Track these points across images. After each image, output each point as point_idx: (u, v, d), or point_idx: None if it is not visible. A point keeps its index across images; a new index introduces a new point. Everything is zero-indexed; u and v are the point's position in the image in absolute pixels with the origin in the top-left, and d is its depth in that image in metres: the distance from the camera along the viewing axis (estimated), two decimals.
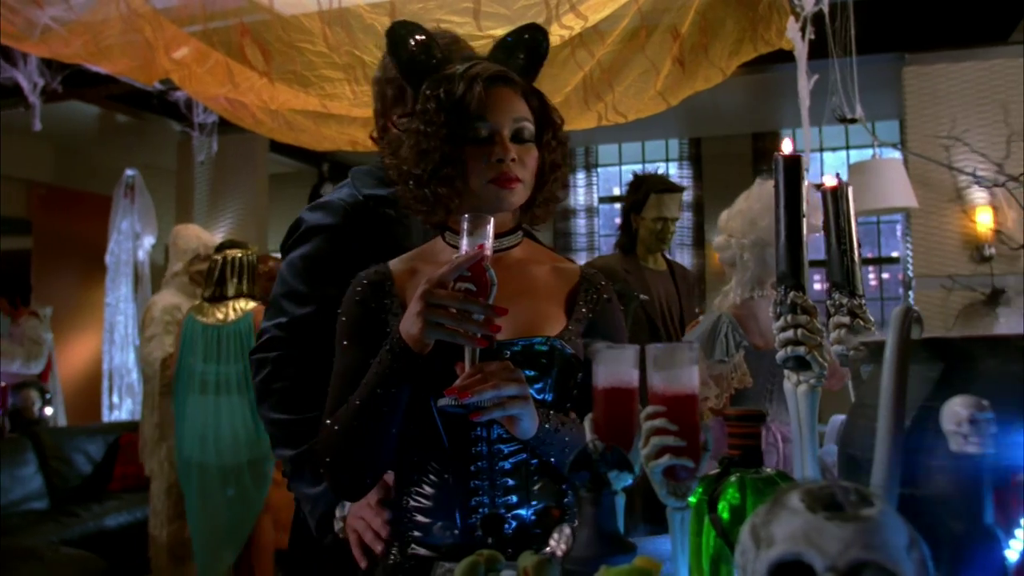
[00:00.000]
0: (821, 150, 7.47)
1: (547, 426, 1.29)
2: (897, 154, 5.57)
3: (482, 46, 2.99)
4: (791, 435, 2.64)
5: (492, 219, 1.27)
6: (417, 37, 1.42)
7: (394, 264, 1.45)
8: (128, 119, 6.42)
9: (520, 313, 1.35)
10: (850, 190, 1.15)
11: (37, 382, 6.08)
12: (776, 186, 1.09)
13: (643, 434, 0.83)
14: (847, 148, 7.46)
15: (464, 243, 1.25)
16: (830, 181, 1.15)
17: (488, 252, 1.24)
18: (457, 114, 1.35)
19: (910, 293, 5.32)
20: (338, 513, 1.54)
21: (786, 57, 3.37)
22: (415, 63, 1.41)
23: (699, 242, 7.43)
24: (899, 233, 7.00)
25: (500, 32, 3.00)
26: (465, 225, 1.25)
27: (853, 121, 3.03)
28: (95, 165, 7.45)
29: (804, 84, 3.20)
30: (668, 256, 3.83)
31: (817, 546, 0.59)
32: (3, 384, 5.84)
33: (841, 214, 1.14)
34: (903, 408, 0.79)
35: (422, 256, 1.46)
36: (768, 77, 5.54)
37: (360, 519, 1.47)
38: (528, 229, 1.53)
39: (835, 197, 1.15)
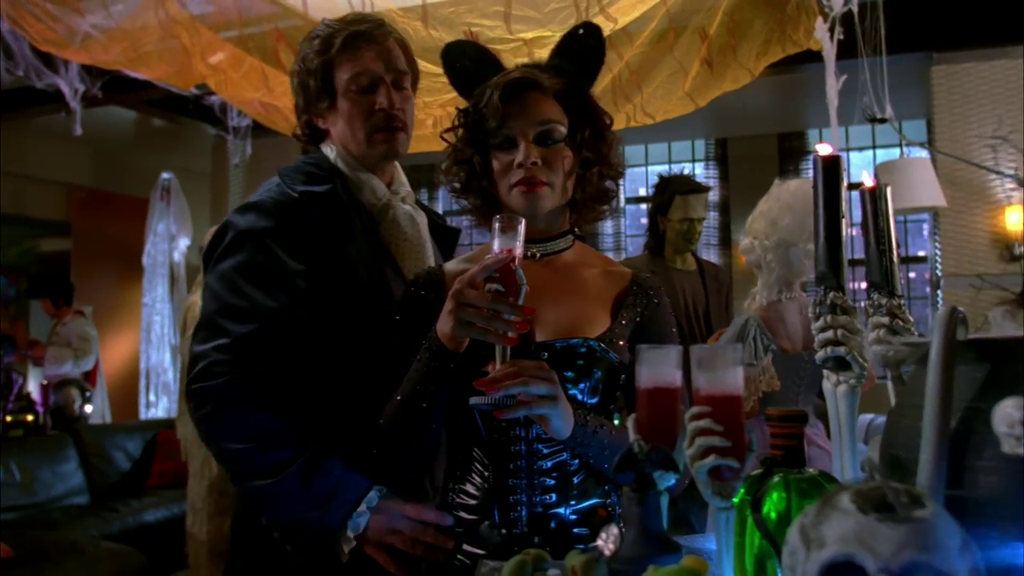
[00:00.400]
0: (848, 150, 7.39)
1: (585, 428, 1.29)
2: (924, 153, 5.50)
3: (513, 48, 3.01)
4: (815, 437, 2.64)
5: (523, 220, 1.28)
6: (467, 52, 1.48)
7: (449, 265, 1.49)
8: (164, 123, 6.49)
9: (562, 314, 1.36)
10: (888, 190, 1.14)
11: (78, 380, 6.16)
12: (815, 186, 1.08)
13: (688, 434, 0.83)
14: (874, 148, 7.37)
15: (495, 244, 1.26)
16: (868, 181, 1.13)
17: (518, 253, 1.26)
18: (481, 123, 1.39)
19: (938, 292, 5.25)
20: (351, 533, 1.35)
21: (813, 57, 3.34)
22: (467, 78, 1.46)
23: (726, 242, 7.37)
24: (926, 232, 6.92)
25: (530, 35, 3.02)
26: (496, 226, 1.27)
27: (883, 121, 2.99)
28: (132, 169, 7.53)
29: (832, 84, 3.17)
30: (699, 256, 3.80)
31: (869, 547, 0.58)
32: (45, 382, 5.92)
33: (880, 214, 1.13)
34: (949, 409, 0.78)
35: (476, 258, 1.47)
36: (794, 77, 5.49)
37: (397, 532, 1.36)
38: (578, 234, 1.53)
39: (873, 197, 1.14)
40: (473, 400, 1.22)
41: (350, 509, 1.36)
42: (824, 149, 1.08)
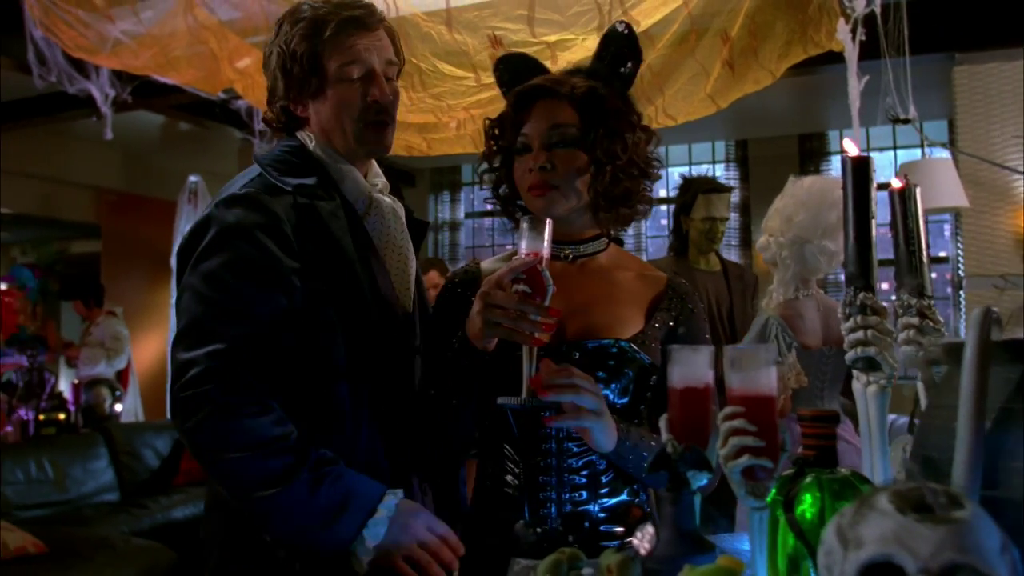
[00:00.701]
0: (868, 151, 7.33)
1: (627, 443, 1.29)
2: (946, 154, 5.45)
3: (536, 52, 3.00)
4: (843, 432, 2.62)
5: (550, 222, 1.29)
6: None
7: (485, 263, 1.50)
8: (191, 127, 6.53)
9: (595, 315, 1.37)
10: (918, 191, 1.12)
11: (109, 380, 6.22)
12: (844, 187, 1.07)
13: (722, 434, 0.82)
14: (895, 148, 7.31)
15: (522, 246, 1.27)
16: (898, 182, 1.12)
17: (545, 254, 1.26)
18: (503, 131, 1.47)
19: (960, 293, 5.20)
20: (370, 543, 1.26)
21: (833, 58, 3.31)
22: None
23: (746, 243, 7.33)
24: (947, 233, 6.85)
25: (553, 38, 3.02)
26: (524, 228, 1.28)
27: (906, 122, 2.96)
28: (160, 172, 7.59)
29: (854, 85, 3.14)
30: (723, 256, 3.79)
31: (909, 548, 0.58)
32: (76, 382, 5.98)
33: (909, 215, 1.12)
34: (984, 410, 0.77)
35: (507, 258, 1.50)
36: (815, 79, 5.45)
37: (420, 543, 1.28)
38: (615, 237, 1.53)
39: (902, 198, 1.13)
40: (501, 399, 1.23)
41: (365, 517, 1.25)
42: (852, 150, 1.07)
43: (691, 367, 0.88)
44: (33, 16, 3.41)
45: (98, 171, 7.63)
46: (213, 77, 3.68)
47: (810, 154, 7.43)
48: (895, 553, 0.58)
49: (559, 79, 1.43)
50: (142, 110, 5.65)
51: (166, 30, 3.50)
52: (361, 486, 1.28)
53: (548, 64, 3.07)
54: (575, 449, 1.34)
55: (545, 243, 1.27)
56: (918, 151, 7.06)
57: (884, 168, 7.46)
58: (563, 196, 1.40)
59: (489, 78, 3.16)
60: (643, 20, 3.06)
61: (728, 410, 0.82)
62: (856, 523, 0.62)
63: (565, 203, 1.41)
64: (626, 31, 1.44)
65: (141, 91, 4.18)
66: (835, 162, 7.56)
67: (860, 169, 1.07)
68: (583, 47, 2.93)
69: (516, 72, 1.50)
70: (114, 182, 7.79)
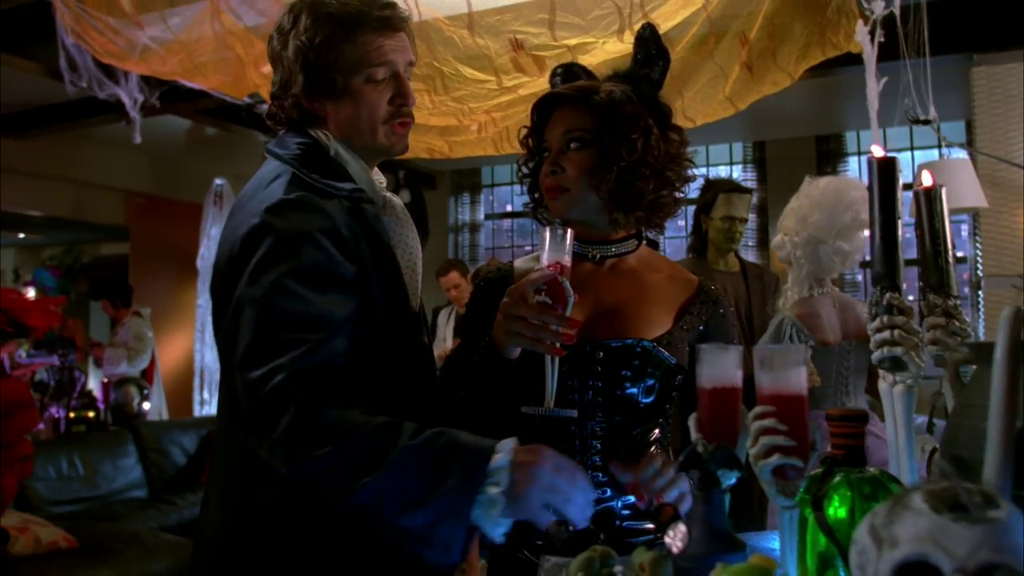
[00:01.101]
0: (886, 152, 7.27)
1: None
2: (963, 154, 5.40)
3: (557, 55, 3.00)
4: (871, 427, 2.60)
5: (571, 232, 1.30)
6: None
7: (518, 263, 1.52)
8: (217, 131, 6.57)
9: (621, 316, 1.37)
10: (943, 191, 1.11)
11: (136, 379, 6.26)
12: (870, 188, 1.06)
13: (752, 433, 0.81)
14: (911, 149, 7.24)
15: (544, 256, 1.28)
16: (924, 182, 1.11)
17: (567, 263, 1.27)
18: (532, 138, 1.50)
19: (979, 293, 5.14)
20: (498, 488, 1.09)
21: (850, 60, 3.29)
22: None
23: (763, 243, 7.29)
24: (965, 233, 6.78)
25: (574, 41, 3.01)
26: (547, 237, 1.29)
27: (927, 123, 2.93)
28: (187, 175, 7.64)
29: (873, 86, 3.12)
30: (742, 257, 3.76)
31: (944, 548, 0.57)
32: (106, 380, 6.03)
33: (935, 215, 1.11)
34: (1015, 409, 0.76)
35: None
36: (832, 80, 5.41)
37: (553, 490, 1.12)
38: (650, 238, 1.53)
39: (928, 198, 1.11)
40: (524, 409, 1.24)
41: (483, 468, 1.10)
42: (878, 151, 1.06)
43: (720, 367, 0.88)
44: (64, 23, 3.44)
45: (126, 174, 7.70)
46: (239, 82, 3.70)
47: (827, 155, 7.38)
48: (931, 553, 0.58)
49: (580, 86, 1.44)
50: (169, 115, 5.69)
51: (193, 36, 3.53)
52: (465, 439, 1.15)
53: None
54: (598, 446, 1.34)
55: (567, 253, 1.27)
56: (935, 152, 6.99)
57: (904, 169, 7.39)
58: (576, 198, 1.41)
59: (510, 81, 3.16)
60: (663, 23, 3.05)
61: (758, 409, 0.81)
62: (890, 522, 0.61)
63: (579, 205, 1.42)
64: (647, 32, 1.44)
65: (168, 96, 4.21)
66: (852, 163, 7.50)
67: (886, 170, 1.06)
68: (603, 50, 2.92)
69: (572, 79, 1.51)
70: (142, 185, 7.86)
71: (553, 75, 1.53)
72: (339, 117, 1.43)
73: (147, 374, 6.51)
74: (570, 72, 1.51)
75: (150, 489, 5.14)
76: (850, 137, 7.45)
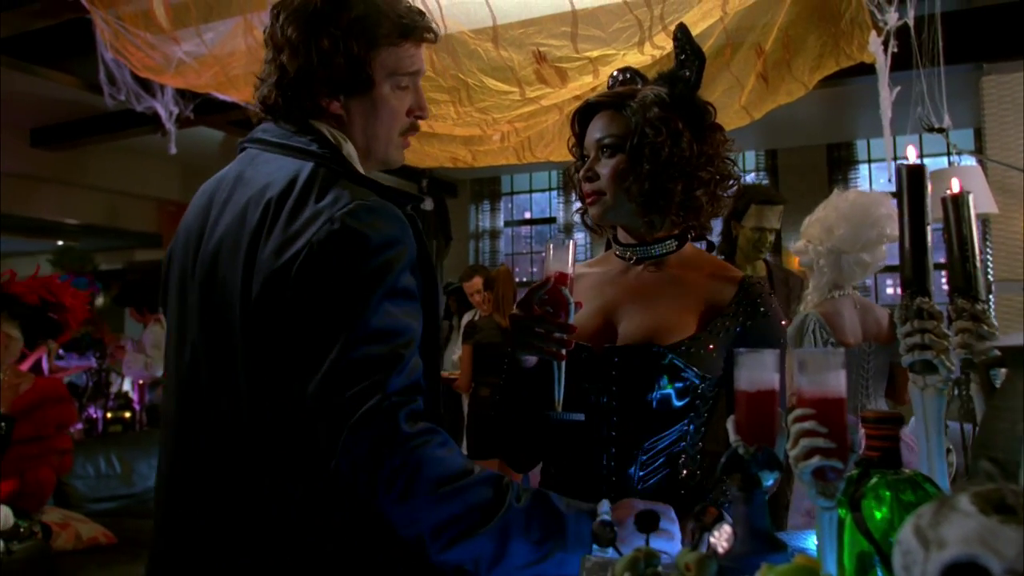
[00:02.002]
0: (895, 159, 7.22)
1: None
2: (972, 161, 5.36)
3: (579, 67, 3.00)
4: None
5: (572, 244, 1.33)
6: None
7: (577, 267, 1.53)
8: None
9: (645, 320, 1.36)
10: (971, 197, 1.10)
11: None
12: (899, 195, 1.05)
13: (792, 436, 0.81)
14: (921, 157, 7.19)
15: (548, 266, 1.32)
16: (952, 188, 1.10)
17: (569, 273, 1.29)
18: (577, 147, 1.51)
19: (990, 297, 5.10)
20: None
21: (861, 70, 3.27)
22: None
23: (776, 249, 7.25)
24: (976, 239, 6.71)
25: (595, 53, 3.01)
26: (550, 249, 1.32)
27: (941, 131, 2.92)
28: None
29: (886, 96, 3.10)
30: (769, 261, 3.72)
31: (993, 549, 0.56)
32: (141, 382, 6.07)
33: (963, 221, 1.09)
34: None
35: (595, 263, 1.54)
36: (843, 89, 5.39)
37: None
38: (694, 238, 1.51)
39: (956, 204, 1.10)
40: (555, 415, 1.26)
41: (588, 530, 1.05)
42: (911, 155, 1.05)
43: (757, 370, 0.87)
44: (104, 39, 3.47)
45: (159, 184, 7.77)
46: None
47: (838, 163, 7.34)
48: (980, 554, 0.57)
49: (615, 92, 1.44)
50: (202, 126, 5.73)
51: (226, 50, 3.55)
52: (566, 501, 1.10)
53: (590, 79, 3.09)
54: (612, 451, 1.35)
55: (569, 263, 1.30)
56: (944, 159, 6.94)
57: None
58: (611, 203, 1.41)
59: (533, 92, 3.16)
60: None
61: (798, 412, 0.80)
62: (937, 524, 0.60)
63: (615, 209, 1.41)
64: (680, 34, 1.43)
65: (201, 108, 4.24)
66: (863, 170, 7.47)
67: (915, 177, 1.05)
68: (623, 62, 2.92)
69: (625, 84, 1.52)
70: (174, 194, 7.92)
71: (612, 80, 1.53)
72: (359, 119, 1.30)
73: None
74: (625, 82, 1.51)
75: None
76: (860, 145, 7.42)
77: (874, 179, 7.39)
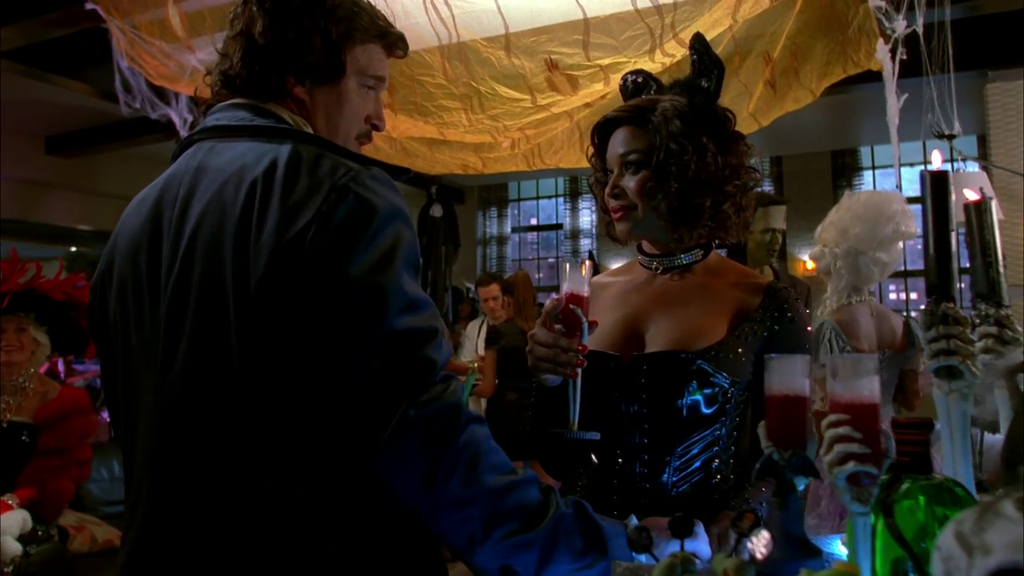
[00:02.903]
0: (900, 166, 7.21)
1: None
2: (976, 167, 5.35)
3: (590, 74, 3.00)
4: None
5: (587, 263, 1.32)
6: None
7: (595, 278, 1.53)
8: None
9: (673, 327, 1.36)
10: (994, 203, 1.09)
11: None
12: (923, 200, 1.05)
13: (826, 441, 0.80)
14: (925, 163, 7.18)
15: (563, 286, 1.31)
16: (973, 195, 1.09)
17: (582, 294, 1.29)
18: (597, 160, 1.50)
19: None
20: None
21: (866, 77, 3.27)
22: None
23: (782, 255, 7.25)
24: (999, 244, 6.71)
25: (607, 61, 3.01)
26: (567, 269, 1.31)
27: (951, 137, 2.91)
28: None
29: (893, 103, 3.09)
30: (775, 267, 3.72)
31: None
32: None
33: (985, 227, 1.09)
34: None
35: (618, 271, 1.55)
36: (848, 97, 5.40)
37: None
38: (721, 245, 1.51)
39: (978, 210, 1.09)
40: (569, 435, 1.27)
41: (623, 543, 1.03)
42: (936, 162, 1.04)
43: (788, 375, 0.86)
44: (120, 48, 3.48)
45: None
46: None
47: (842, 169, 7.34)
48: None
49: (636, 106, 1.40)
50: None
51: None
52: (597, 515, 1.07)
53: (600, 86, 3.09)
54: (645, 458, 1.35)
55: (585, 283, 1.30)
56: (948, 166, 6.92)
57: (915, 182, 7.34)
58: (638, 219, 1.40)
59: (544, 99, 3.16)
60: None
61: (832, 417, 0.80)
62: (980, 530, 0.60)
63: (642, 225, 1.41)
64: (696, 43, 1.42)
65: None
66: (867, 177, 7.46)
67: (939, 182, 1.04)
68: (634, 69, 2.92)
69: (638, 91, 1.49)
70: None
71: (624, 82, 1.50)
72: (324, 108, 1.24)
73: None
74: (636, 84, 1.48)
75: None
76: (864, 152, 7.41)
77: (878, 185, 7.38)
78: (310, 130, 1.21)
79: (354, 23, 1.23)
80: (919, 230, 1.33)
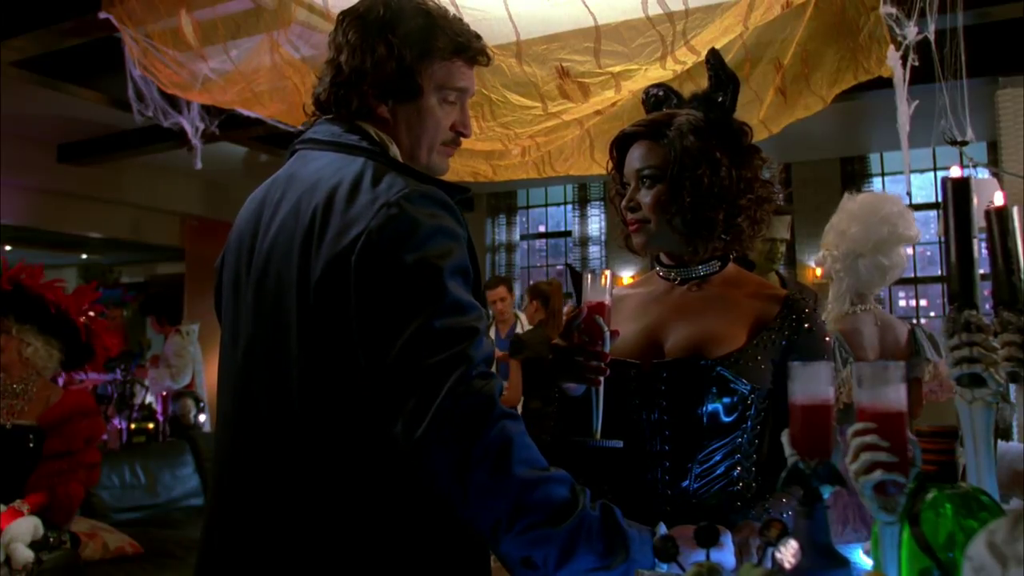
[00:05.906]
0: (910, 172, 7.19)
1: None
2: (986, 174, 5.33)
3: (601, 82, 3.00)
4: None
5: (609, 274, 1.33)
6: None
7: (617, 291, 1.54)
8: (270, 158, 6.64)
9: (691, 335, 1.36)
10: (1015, 211, 1.08)
11: (194, 392, 6.29)
12: (944, 208, 1.04)
13: (852, 449, 0.79)
14: (935, 170, 7.16)
15: (585, 296, 1.32)
16: (996, 202, 1.08)
17: (605, 303, 1.30)
18: (615, 174, 1.51)
19: None
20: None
21: (876, 84, 3.26)
22: None
23: (790, 262, 7.23)
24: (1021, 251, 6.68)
25: (618, 68, 3.00)
26: (588, 280, 1.33)
27: (965, 143, 2.90)
28: (240, 199, 7.60)
29: (904, 110, 3.08)
30: (782, 274, 3.71)
31: None
32: (164, 393, 6.08)
33: (1007, 234, 1.08)
34: None
35: (637, 283, 1.55)
36: (857, 103, 5.37)
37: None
38: (735, 257, 1.51)
39: (1000, 217, 1.09)
40: (591, 443, 1.27)
41: (649, 550, 1.04)
42: (955, 171, 1.04)
43: (811, 383, 0.86)
44: (133, 57, 3.49)
45: (181, 199, 7.81)
46: (295, 110, 3.72)
47: (852, 176, 7.33)
48: None
49: (652, 121, 1.43)
50: (224, 142, 5.77)
51: (251, 66, 3.56)
52: (625, 520, 1.09)
53: (611, 94, 3.08)
54: (667, 464, 1.34)
55: (607, 293, 1.31)
56: (956, 172, 6.89)
57: (924, 188, 7.31)
58: (654, 232, 1.42)
59: (556, 107, 3.16)
60: (702, 50, 3.03)
61: (859, 426, 0.79)
62: (1014, 540, 0.59)
63: (658, 238, 1.43)
64: (712, 59, 1.43)
65: (224, 124, 4.26)
66: (876, 183, 7.45)
67: (960, 191, 1.04)
68: (645, 77, 2.92)
69: (659, 105, 1.52)
70: (197, 208, 7.97)
71: (645, 95, 1.53)
72: (406, 124, 1.33)
73: (189, 388, 6.53)
74: (658, 98, 1.50)
75: (207, 497, 5.13)
76: (874, 159, 7.40)
77: (887, 192, 7.37)
78: (395, 145, 1.32)
79: (428, 44, 1.30)
80: (920, 234, 1.32)
